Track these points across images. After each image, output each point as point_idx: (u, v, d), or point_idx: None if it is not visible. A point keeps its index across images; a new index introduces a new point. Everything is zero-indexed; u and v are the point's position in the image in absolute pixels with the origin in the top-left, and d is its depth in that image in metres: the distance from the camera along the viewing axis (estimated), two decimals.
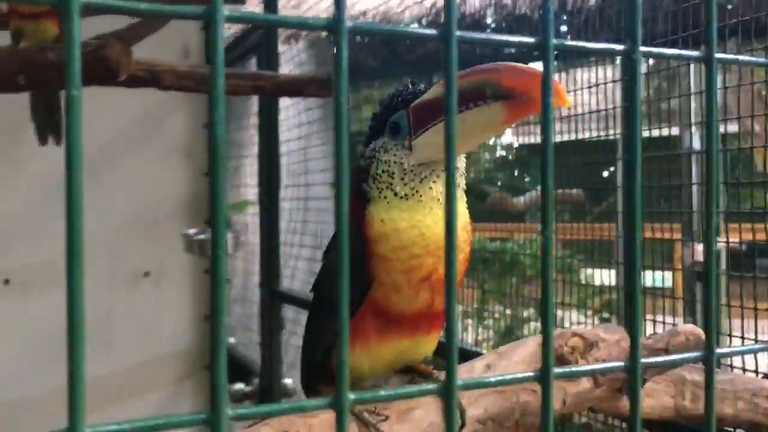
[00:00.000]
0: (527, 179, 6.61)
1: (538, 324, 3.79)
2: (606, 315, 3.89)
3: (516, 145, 6.19)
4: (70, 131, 0.37)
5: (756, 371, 1.49)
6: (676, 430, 1.43)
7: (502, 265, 4.64)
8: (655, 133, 2.31)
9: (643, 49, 0.48)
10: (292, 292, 2.99)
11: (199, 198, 3.55)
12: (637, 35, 0.48)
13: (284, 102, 3.10)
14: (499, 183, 6.26)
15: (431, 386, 0.46)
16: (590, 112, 2.57)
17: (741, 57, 0.57)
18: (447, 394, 0.46)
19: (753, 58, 1.24)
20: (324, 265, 1.14)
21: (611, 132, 2.42)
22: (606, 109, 2.48)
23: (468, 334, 4.36)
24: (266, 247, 3.02)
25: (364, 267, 1.02)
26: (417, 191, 1.03)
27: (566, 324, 2.76)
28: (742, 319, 1.68)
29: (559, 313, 3.52)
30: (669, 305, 2.20)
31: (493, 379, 0.50)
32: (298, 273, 3.08)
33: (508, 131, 6.45)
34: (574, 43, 0.49)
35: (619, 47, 0.49)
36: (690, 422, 1.32)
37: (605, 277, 3.20)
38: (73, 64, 0.36)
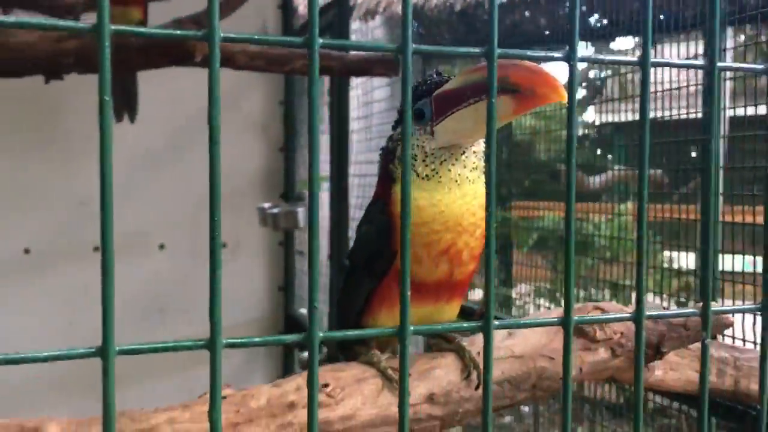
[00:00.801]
0: (609, 157, 6.52)
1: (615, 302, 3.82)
2: (683, 299, 3.87)
3: (597, 122, 6.11)
4: (102, 131, 0.50)
5: None
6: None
7: (576, 245, 4.64)
8: (750, 111, 2.28)
9: (581, 55, 0.58)
10: None
11: (274, 173, 3.74)
12: (575, 41, 0.58)
13: (354, 80, 3.23)
14: (578, 161, 6.19)
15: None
16: (672, 89, 2.55)
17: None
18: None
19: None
20: (357, 237, 1.27)
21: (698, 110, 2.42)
22: (692, 86, 2.45)
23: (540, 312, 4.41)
24: (335, 221, 3.17)
25: (389, 240, 1.14)
26: (437, 172, 1.14)
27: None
28: None
29: (634, 295, 3.53)
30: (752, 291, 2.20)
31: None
32: None
33: (590, 108, 6.38)
34: (516, 51, 0.59)
35: (558, 54, 0.58)
36: (715, 396, 1.38)
37: (686, 259, 3.19)
38: (104, 75, 0.50)
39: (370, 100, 3.27)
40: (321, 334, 0.56)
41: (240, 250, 3.68)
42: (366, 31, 4.38)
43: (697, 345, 1.34)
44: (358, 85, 3.34)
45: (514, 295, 4.72)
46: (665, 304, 3.38)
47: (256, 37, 0.54)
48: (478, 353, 1.16)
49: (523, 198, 5.27)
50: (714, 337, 1.41)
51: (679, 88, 2.62)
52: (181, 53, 2.29)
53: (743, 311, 0.81)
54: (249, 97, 3.66)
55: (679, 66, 0.89)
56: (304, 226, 3.54)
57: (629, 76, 4.46)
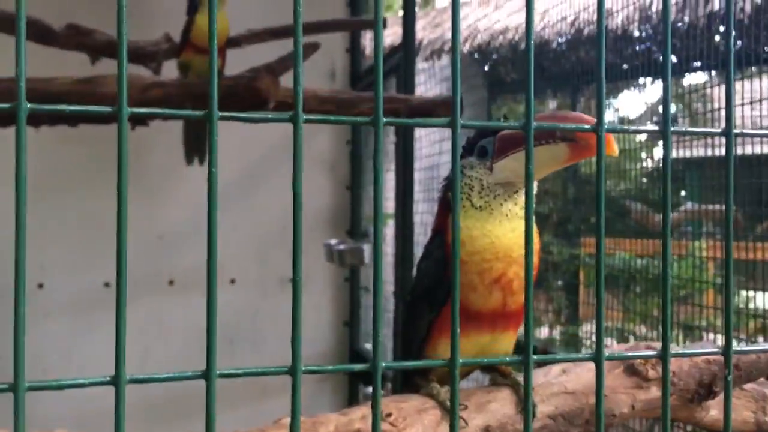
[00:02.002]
0: (683, 194, 6.46)
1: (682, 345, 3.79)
2: (760, 339, 3.81)
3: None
4: (210, 154, 0.63)
5: None
6: None
7: (647, 283, 4.63)
8: None
9: (607, 126, 0.68)
10: None
11: (341, 210, 3.89)
12: (602, 112, 0.69)
13: None
14: (649, 198, 6.17)
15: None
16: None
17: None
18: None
19: None
20: (417, 271, 1.38)
21: None
22: None
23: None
24: (400, 257, 3.29)
25: (445, 270, 1.25)
26: (490, 205, 1.26)
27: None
28: None
29: (711, 336, 3.51)
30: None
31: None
32: None
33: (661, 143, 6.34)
34: (550, 124, 0.69)
35: (586, 126, 0.69)
36: None
37: (762, 300, 3.17)
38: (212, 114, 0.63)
39: (435, 140, 3.39)
40: (384, 364, 0.67)
41: (307, 286, 3.83)
42: (433, 72, 4.53)
43: (753, 385, 1.39)
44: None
45: (581, 334, 4.73)
46: (742, 345, 3.34)
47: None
48: (533, 388, 1.24)
49: (591, 234, 5.28)
50: None
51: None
52: (255, 101, 2.47)
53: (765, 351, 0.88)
54: (317, 137, 3.83)
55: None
56: (370, 263, 3.67)
57: (700, 109, 4.46)
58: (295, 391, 0.65)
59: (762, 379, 1.39)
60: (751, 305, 3.68)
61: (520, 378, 1.27)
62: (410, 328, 1.37)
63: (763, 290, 3.23)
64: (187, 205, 3.64)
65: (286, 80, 2.62)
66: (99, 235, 3.69)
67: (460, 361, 0.67)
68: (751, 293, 3.70)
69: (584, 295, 4.80)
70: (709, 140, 3.86)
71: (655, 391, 1.28)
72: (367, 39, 4.06)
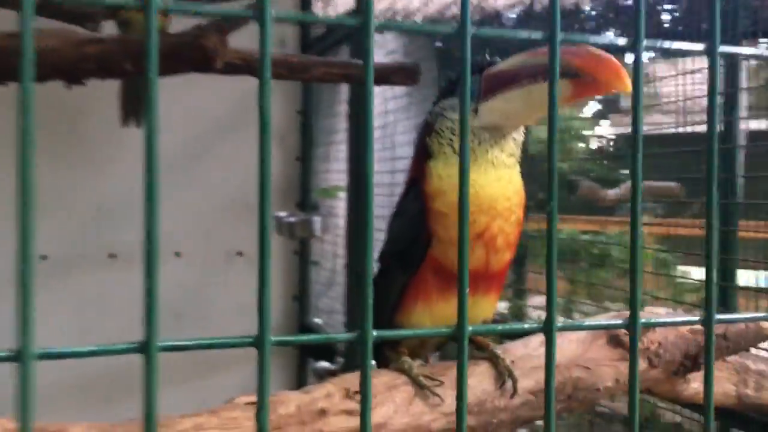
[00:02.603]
0: (623, 171, 6.48)
1: None
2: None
3: (613, 136, 6.08)
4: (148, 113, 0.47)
5: None
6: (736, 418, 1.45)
7: (592, 258, 4.59)
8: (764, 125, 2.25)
9: (646, 43, 0.54)
10: (375, 275, 3.10)
11: (291, 182, 3.71)
12: (640, 28, 0.54)
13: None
14: (592, 174, 6.16)
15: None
16: (680, 100, 2.54)
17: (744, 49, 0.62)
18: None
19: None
20: (389, 231, 1.23)
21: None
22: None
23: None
24: (352, 230, 3.14)
25: (423, 223, 1.11)
26: (474, 152, 1.11)
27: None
28: None
29: (649, 308, 3.48)
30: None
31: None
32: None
33: (607, 122, 6.34)
34: (578, 37, 0.55)
35: (623, 41, 0.55)
36: (753, 411, 1.34)
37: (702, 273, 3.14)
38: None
39: (390, 109, 3.24)
40: (375, 333, 0.53)
41: (255, 259, 3.65)
42: (383, 42, 4.36)
43: (736, 357, 1.29)
44: (375, 95, 3.31)
45: (528, 306, 4.67)
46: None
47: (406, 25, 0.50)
48: (512, 362, 1.12)
49: (537, 211, 5.20)
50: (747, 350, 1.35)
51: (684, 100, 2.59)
52: (201, 59, 2.27)
53: (755, 320, 0.77)
54: None
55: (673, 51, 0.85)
56: (320, 235, 3.51)
57: (645, 88, 4.41)
58: (263, 365, 0.49)
59: (745, 351, 1.29)
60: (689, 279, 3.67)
61: (499, 350, 1.14)
62: (380, 296, 1.22)
63: (700, 264, 3.21)
64: (128, 173, 3.41)
65: (236, 41, 2.43)
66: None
67: (469, 328, 0.52)
68: (688, 268, 3.69)
69: (532, 268, 4.73)
70: (649, 119, 3.81)
71: (640, 363, 1.17)
72: (318, 7, 3.87)
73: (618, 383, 1.16)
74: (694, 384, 1.29)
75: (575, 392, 1.12)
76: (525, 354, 1.12)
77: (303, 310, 3.74)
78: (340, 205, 3.53)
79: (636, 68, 0.57)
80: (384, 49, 4.27)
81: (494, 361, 1.12)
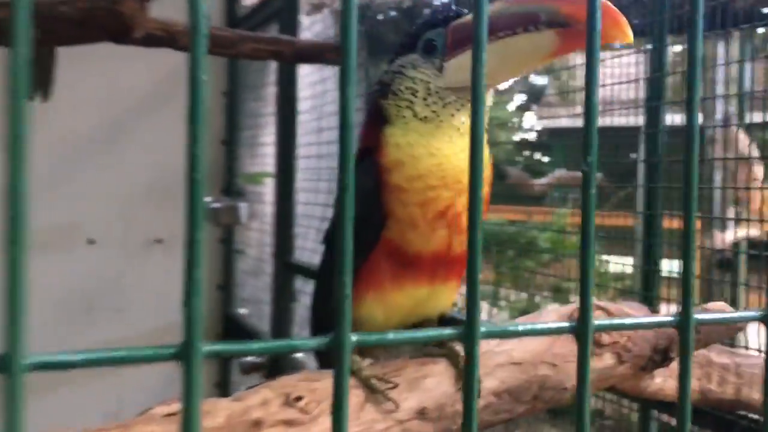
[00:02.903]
0: (547, 160, 6.52)
1: (556, 307, 3.73)
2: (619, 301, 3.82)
3: (538, 127, 6.08)
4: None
5: None
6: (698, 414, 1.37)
7: (519, 247, 4.56)
8: (679, 120, 2.26)
9: None
10: (303, 264, 2.94)
11: (215, 166, 3.49)
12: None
13: (303, 69, 3.03)
14: (519, 164, 6.17)
15: (451, 330, 0.40)
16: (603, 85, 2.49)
17: None
18: (469, 341, 0.40)
19: None
20: (334, 206, 1.07)
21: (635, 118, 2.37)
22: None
23: (481, 316, 4.30)
24: (280, 217, 2.96)
25: (377, 200, 0.95)
26: (438, 115, 0.96)
27: None
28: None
29: (575, 298, 3.46)
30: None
31: (521, 328, 0.44)
32: (309, 244, 3.03)
33: (531, 114, 6.34)
34: None
35: None
36: (716, 407, 1.25)
37: (621, 264, 3.13)
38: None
39: (318, 91, 3.07)
40: (354, 338, 0.38)
41: (177, 247, 3.42)
42: (310, 24, 4.18)
43: (701, 351, 1.20)
44: (304, 76, 3.13)
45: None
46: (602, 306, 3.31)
47: None
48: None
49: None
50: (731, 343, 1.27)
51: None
52: (117, 27, 2.05)
53: (737, 320, 0.67)
54: None
55: None
56: (246, 222, 3.31)
57: (569, 82, 4.40)
58: (190, 378, 0.34)
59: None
60: (610, 269, 3.67)
61: (459, 348, 1.00)
62: (326, 283, 1.06)
63: (620, 254, 3.22)
64: (39, 153, 3.13)
65: (158, 10, 2.21)
66: None
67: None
68: (606, 257, 3.69)
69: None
70: (575, 110, 3.79)
71: (608, 359, 1.06)
72: None
73: None
74: (657, 380, 1.19)
75: (541, 392, 1.00)
76: (488, 350, 0.99)
77: (228, 300, 3.54)
78: (267, 191, 3.34)
79: (692, 54, 0.44)
80: (310, 32, 4.08)
81: (453, 359, 0.98)
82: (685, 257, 0.53)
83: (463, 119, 0.97)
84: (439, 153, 0.95)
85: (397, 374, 0.95)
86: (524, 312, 4.61)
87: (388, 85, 0.99)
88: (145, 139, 3.36)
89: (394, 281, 0.97)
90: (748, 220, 3.03)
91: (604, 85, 2.65)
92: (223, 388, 3.46)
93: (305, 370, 0.99)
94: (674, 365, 1.15)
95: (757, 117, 2.66)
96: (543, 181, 4.98)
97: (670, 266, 2.63)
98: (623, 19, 0.81)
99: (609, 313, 1.07)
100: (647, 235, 2.38)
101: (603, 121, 2.91)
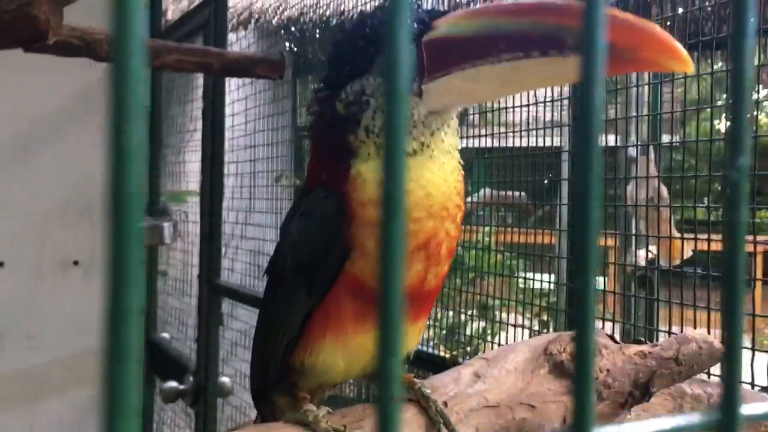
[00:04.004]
0: (469, 181, 6.49)
1: (481, 324, 3.64)
2: (545, 318, 3.77)
3: (459, 147, 6.05)
4: None
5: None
6: None
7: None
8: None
9: None
10: (231, 286, 2.73)
11: None
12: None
13: (230, 85, 2.84)
14: None
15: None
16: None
17: None
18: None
19: None
20: (287, 237, 0.90)
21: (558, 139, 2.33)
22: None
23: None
24: (207, 237, 2.75)
25: (340, 234, 0.80)
26: (428, 146, 0.82)
27: (510, 328, 2.59)
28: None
29: (499, 314, 3.37)
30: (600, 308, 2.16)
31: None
32: (238, 266, 2.82)
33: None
34: None
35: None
36: None
37: (544, 280, 3.07)
38: None
39: (250, 106, 2.88)
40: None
41: (94, 268, 3.14)
42: (235, 40, 3.99)
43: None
44: (232, 91, 2.94)
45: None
46: (528, 323, 3.24)
47: None
48: (445, 403, 0.83)
49: None
50: (708, 374, 1.16)
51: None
52: (30, 32, 1.82)
53: None
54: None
55: None
56: (170, 242, 3.07)
57: (490, 104, 4.36)
58: None
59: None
60: (536, 286, 3.62)
61: (428, 389, 0.85)
62: (274, 323, 0.88)
63: (542, 272, 3.16)
64: None
65: (72, 17, 1.98)
66: None
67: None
68: (529, 273, 3.64)
69: None
70: (497, 130, 3.75)
71: None
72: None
73: (565, 423, 0.90)
74: (629, 414, 1.06)
75: None
76: (458, 392, 0.84)
77: (149, 325, 3.27)
78: (192, 210, 3.11)
79: (739, 68, 0.31)
80: (236, 48, 3.89)
81: (424, 403, 0.82)
82: (730, 335, 0.37)
83: (451, 140, 0.83)
84: (429, 184, 0.82)
85: (358, 425, 0.78)
86: (451, 330, 4.51)
87: (351, 121, 0.82)
88: (61, 153, 3.08)
89: (357, 322, 0.81)
90: (669, 237, 3.01)
91: (528, 105, 2.59)
92: (145, 416, 3.19)
93: (256, 425, 0.81)
94: (654, 400, 1.04)
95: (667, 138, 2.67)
96: (468, 200, 4.93)
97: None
98: (678, 46, 0.68)
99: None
100: (572, 253, 2.31)
101: (525, 141, 2.85)
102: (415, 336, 0.88)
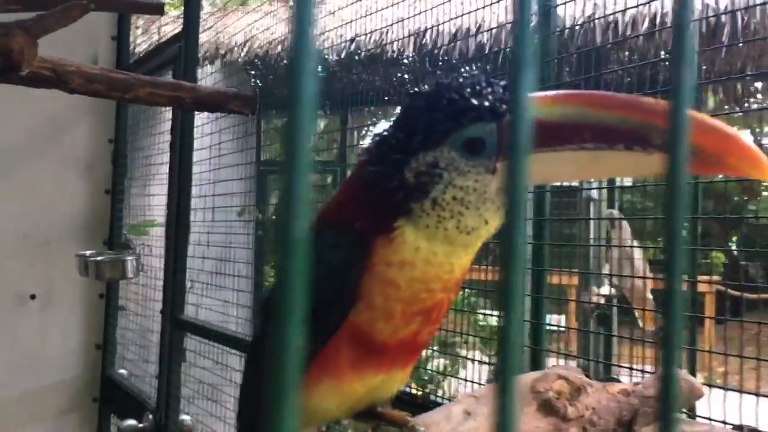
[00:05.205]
0: None
1: (443, 361, 3.64)
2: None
3: None
4: None
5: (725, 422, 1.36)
6: None
7: None
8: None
9: None
10: (196, 322, 2.69)
11: (99, 217, 3.18)
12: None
13: (197, 120, 2.83)
14: None
15: None
16: None
17: None
18: None
19: None
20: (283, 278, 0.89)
21: None
22: None
23: None
24: (171, 272, 2.70)
25: (352, 283, 0.79)
26: (487, 222, 0.80)
27: (468, 364, 2.59)
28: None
29: (463, 351, 3.38)
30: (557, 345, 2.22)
31: None
32: (195, 299, 2.79)
33: None
34: None
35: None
36: None
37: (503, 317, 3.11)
38: None
39: (215, 142, 2.87)
40: None
41: (54, 302, 3.06)
42: (201, 75, 3.98)
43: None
44: (198, 126, 2.93)
45: None
46: (485, 360, 3.26)
47: None
48: None
49: None
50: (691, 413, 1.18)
51: None
52: (5, 63, 1.80)
53: None
54: (74, 132, 3.12)
55: None
56: (133, 276, 3.01)
57: None
58: None
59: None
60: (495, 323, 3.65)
61: (421, 427, 0.85)
62: (267, 365, 0.88)
63: (501, 309, 3.20)
64: None
65: (44, 49, 1.97)
66: None
67: None
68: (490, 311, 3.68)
69: None
70: None
71: None
72: (139, 29, 3.43)
73: None
74: None
75: None
76: (450, 429, 0.86)
77: (106, 360, 3.19)
78: (156, 243, 3.06)
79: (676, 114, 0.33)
80: (204, 83, 3.89)
81: None
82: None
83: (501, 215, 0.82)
84: (458, 262, 0.82)
85: None
86: (415, 368, 4.49)
87: (419, 190, 0.80)
88: (20, 185, 3.02)
89: (354, 369, 0.82)
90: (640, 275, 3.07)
91: None
92: None
93: None
94: None
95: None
96: None
97: (550, 320, 2.62)
98: (760, 155, 0.71)
99: (571, 384, 0.96)
100: (534, 291, 2.35)
101: None
102: (402, 379, 0.89)
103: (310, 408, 0.83)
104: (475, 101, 0.78)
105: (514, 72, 0.31)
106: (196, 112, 2.76)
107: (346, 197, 0.88)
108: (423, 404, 1.75)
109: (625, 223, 3.57)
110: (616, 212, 3.73)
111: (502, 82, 0.79)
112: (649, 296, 3.59)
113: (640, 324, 3.58)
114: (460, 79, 0.79)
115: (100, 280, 2.98)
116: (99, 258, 2.90)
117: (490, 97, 0.78)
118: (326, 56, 4.20)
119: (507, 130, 0.75)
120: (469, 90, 0.78)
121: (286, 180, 0.28)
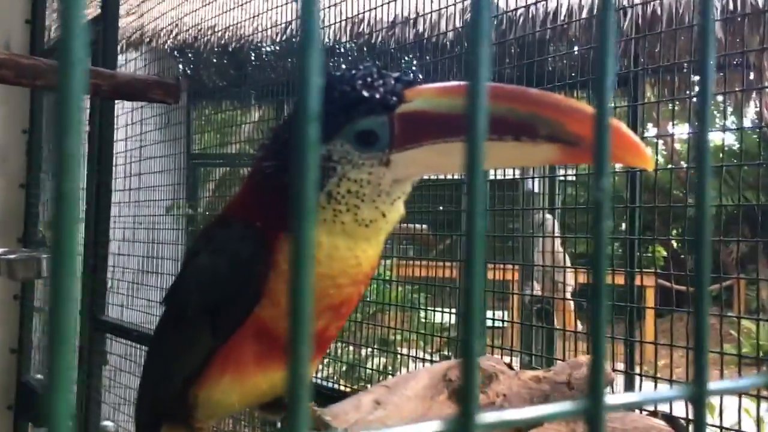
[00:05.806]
0: None
1: (382, 360, 3.67)
2: (446, 352, 3.85)
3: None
4: None
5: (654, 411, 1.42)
6: None
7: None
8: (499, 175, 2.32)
9: None
10: (117, 322, 2.66)
11: (13, 213, 3.10)
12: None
13: (120, 108, 2.79)
14: None
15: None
16: None
17: None
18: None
19: None
20: (195, 271, 0.90)
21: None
22: None
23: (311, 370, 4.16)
24: (90, 270, 2.66)
25: (254, 278, 0.81)
26: (384, 215, 0.83)
27: (411, 362, 2.64)
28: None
29: (401, 348, 3.43)
30: (500, 341, 2.27)
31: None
32: (118, 298, 2.76)
33: None
34: None
35: None
36: None
37: (444, 315, 3.15)
38: None
39: (137, 132, 2.84)
40: None
41: None
42: (126, 66, 3.92)
43: None
44: (120, 116, 2.89)
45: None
46: (428, 357, 3.32)
47: None
48: (346, 430, 0.86)
49: None
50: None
51: None
52: None
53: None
54: None
55: None
56: (48, 276, 2.94)
57: None
58: None
59: None
60: (436, 320, 3.70)
61: (328, 417, 0.88)
62: (171, 360, 0.89)
63: (443, 306, 3.25)
64: None
65: None
66: None
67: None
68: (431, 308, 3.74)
69: None
70: None
71: None
72: (55, 12, 3.35)
73: None
74: None
75: None
76: (359, 419, 0.87)
77: (22, 364, 3.11)
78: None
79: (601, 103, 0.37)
80: (126, 70, 3.84)
81: (324, 431, 0.85)
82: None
83: (400, 209, 0.85)
84: (363, 254, 0.84)
85: None
86: (352, 366, 4.52)
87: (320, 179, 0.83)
88: None
89: (257, 363, 0.83)
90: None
91: None
92: None
93: None
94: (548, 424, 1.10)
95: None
96: None
97: (491, 315, 2.68)
98: (641, 145, 0.73)
99: (483, 371, 0.99)
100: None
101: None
102: (311, 371, 0.92)
103: (213, 400, 0.85)
104: (366, 94, 0.80)
105: (471, 62, 0.33)
106: (118, 101, 2.72)
107: (247, 193, 0.88)
108: None
109: (550, 218, 3.66)
110: (549, 216, 3.81)
111: (395, 74, 0.81)
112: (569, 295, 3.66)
113: (556, 323, 3.66)
114: (352, 72, 0.80)
115: (14, 279, 2.90)
116: (12, 256, 2.83)
117: (381, 89, 0.80)
118: (261, 45, 4.18)
119: (399, 123, 0.78)
120: (360, 82, 0.80)
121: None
